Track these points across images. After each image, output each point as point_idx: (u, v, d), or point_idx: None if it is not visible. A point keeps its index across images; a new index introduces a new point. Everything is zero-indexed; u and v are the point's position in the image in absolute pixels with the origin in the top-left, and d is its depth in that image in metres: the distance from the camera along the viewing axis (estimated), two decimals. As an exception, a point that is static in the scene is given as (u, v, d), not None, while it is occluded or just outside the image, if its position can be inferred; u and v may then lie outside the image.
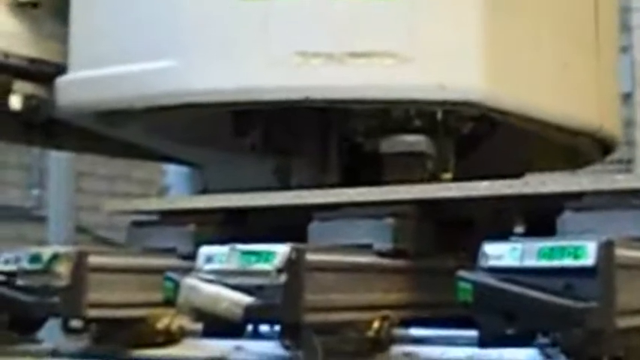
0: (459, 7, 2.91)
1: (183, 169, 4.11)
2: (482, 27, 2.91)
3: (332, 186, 2.99)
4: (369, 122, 3.05)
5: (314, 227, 2.72)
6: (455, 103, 2.89)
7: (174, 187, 4.40)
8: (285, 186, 3.20)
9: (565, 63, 3.24)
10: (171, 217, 3.05)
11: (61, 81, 3.26)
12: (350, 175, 3.20)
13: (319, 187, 2.92)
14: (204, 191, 3.65)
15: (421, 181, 2.89)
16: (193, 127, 3.36)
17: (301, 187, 3.02)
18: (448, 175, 3.04)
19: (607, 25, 3.56)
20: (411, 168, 2.98)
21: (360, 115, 3.07)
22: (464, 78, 2.88)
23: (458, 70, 2.88)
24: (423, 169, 2.99)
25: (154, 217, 3.11)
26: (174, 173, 4.38)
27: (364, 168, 3.18)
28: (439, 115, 3.00)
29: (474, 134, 3.19)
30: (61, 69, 3.29)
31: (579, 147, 3.51)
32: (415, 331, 2.58)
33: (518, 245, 2.18)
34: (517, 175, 3.49)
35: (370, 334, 2.55)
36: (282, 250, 2.35)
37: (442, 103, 2.90)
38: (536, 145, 3.45)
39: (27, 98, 3.38)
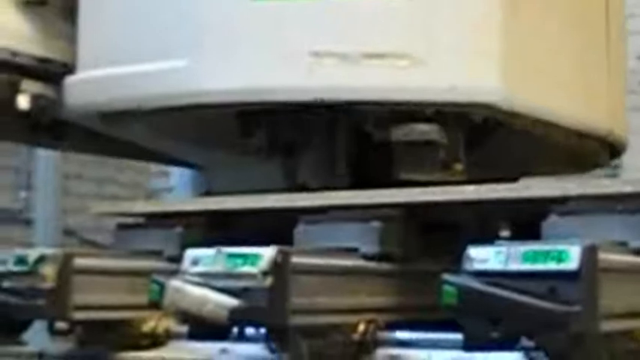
0: (474, 9, 2.88)
1: (186, 172, 4.07)
2: (498, 29, 2.88)
3: (340, 178, 2.93)
4: (379, 112, 2.96)
5: (300, 230, 2.72)
6: (469, 106, 2.86)
7: (178, 188, 4.36)
8: (292, 185, 3.14)
9: (579, 66, 3.21)
10: (158, 220, 3.05)
11: (69, 81, 3.22)
12: (359, 170, 3.12)
13: (327, 182, 2.88)
14: (208, 193, 3.60)
15: (433, 171, 2.85)
16: (199, 128, 3.30)
17: (308, 183, 2.97)
18: (459, 166, 2.96)
19: (617, 28, 3.53)
20: (423, 157, 2.90)
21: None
22: (479, 80, 2.85)
23: (473, 72, 2.85)
24: (434, 159, 2.92)
25: (141, 220, 3.11)
26: (177, 175, 4.34)
27: (374, 162, 3.09)
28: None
29: (485, 125, 3.14)
30: (70, 68, 3.25)
31: (587, 150, 3.44)
32: (400, 334, 2.58)
33: (503, 249, 2.19)
34: (521, 175, 3.48)
35: (356, 337, 2.55)
36: (267, 253, 2.35)
37: (456, 106, 2.86)
38: (544, 147, 3.38)
39: (35, 98, 3.34)
